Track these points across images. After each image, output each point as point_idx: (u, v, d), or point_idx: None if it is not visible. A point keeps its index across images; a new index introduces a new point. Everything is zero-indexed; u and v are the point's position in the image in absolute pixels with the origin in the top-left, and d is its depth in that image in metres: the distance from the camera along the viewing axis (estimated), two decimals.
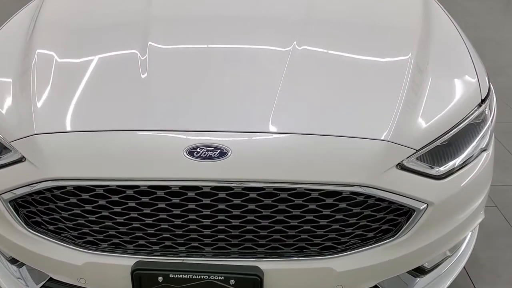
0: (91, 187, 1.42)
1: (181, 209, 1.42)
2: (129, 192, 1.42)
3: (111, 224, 1.46)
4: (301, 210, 1.42)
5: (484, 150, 1.63)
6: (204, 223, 1.44)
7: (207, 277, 1.45)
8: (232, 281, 1.45)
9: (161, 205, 1.42)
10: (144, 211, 1.44)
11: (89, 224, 1.47)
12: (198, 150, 1.40)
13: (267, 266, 1.45)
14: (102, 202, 1.44)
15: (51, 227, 1.52)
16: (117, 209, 1.44)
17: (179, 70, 1.66)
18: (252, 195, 1.40)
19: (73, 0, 2.19)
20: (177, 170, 1.39)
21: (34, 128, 1.49)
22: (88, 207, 1.45)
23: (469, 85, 1.70)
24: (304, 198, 1.41)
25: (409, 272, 1.62)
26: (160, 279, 1.46)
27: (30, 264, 1.62)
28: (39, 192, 1.46)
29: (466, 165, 1.55)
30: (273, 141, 1.44)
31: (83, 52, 1.78)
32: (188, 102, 1.54)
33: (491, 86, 1.78)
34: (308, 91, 1.57)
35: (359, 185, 1.39)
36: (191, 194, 1.41)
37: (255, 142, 1.44)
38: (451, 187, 1.51)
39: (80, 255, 1.50)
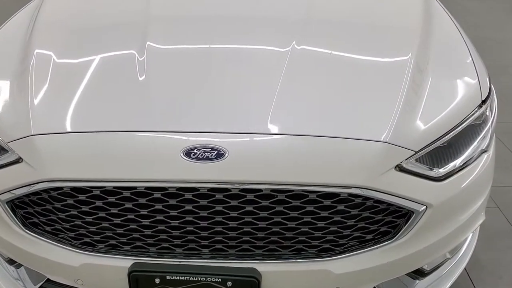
0: (88, 188, 1.42)
1: (178, 211, 1.42)
2: (126, 194, 1.41)
3: (108, 225, 1.46)
4: (298, 212, 1.41)
5: (484, 151, 1.62)
6: (201, 224, 1.43)
7: (204, 279, 1.45)
8: (229, 283, 1.44)
9: (158, 206, 1.42)
10: (141, 213, 1.43)
11: (86, 225, 1.47)
12: (195, 151, 1.39)
13: (265, 268, 1.45)
14: (99, 203, 1.43)
15: (48, 228, 1.51)
16: (114, 210, 1.43)
17: (177, 71, 1.65)
18: (250, 196, 1.39)
19: (73, 0, 2.18)
20: (174, 171, 1.39)
21: (31, 129, 1.49)
22: (85, 208, 1.44)
23: (469, 85, 1.69)
24: (302, 200, 1.40)
25: (408, 274, 1.61)
26: (157, 280, 1.45)
27: (27, 265, 1.62)
28: (36, 193, 1.46)
29: (466, 166, 1.54)
30: (270, 142, 1.43)
31: (81, 53, 1.78)
32: (185, 103, 1.53)
33: (492, 86, 1.76)
34: (307, 91, 1.56)
35: (357, 187, 1.38)
36: (188, 195, 1.40)
37: (252, 143, 1.43)
38: (450, 189, 1.49)
39: (77, 256, 1.49)
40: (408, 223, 1.46)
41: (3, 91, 1.67)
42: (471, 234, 1.78)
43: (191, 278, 1.45)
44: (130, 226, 1.45)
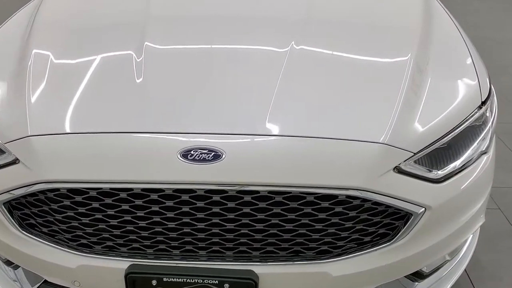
0: (84, 189, 1.41)
1: (175, 212, 1.41)
2: (123, 195, 1.40)
3: (104, 226, 1.45)
4: (296, 214, 1.40)
5: (484, 153, 1.60)
6: (198, 226, 1.42)
7: (201, 281, 1.44)
8: (226, 285, 1.43)
9: (155, 208, 1.41)
10: (138, 214, 1.42)
11: (82, 227, 1.46)
12: (192, 152, 1.38)
13: (262, 270, 1.44)
14: (95, 204, 1.42)
15: (45, 230, 1.51)
16: (111, 211, 1.43)
17: (174, 72, 1.64)
18: (247, 198, 1.38)
19: (71, 0, 2.18)
20: (171, 172, 1.38)
21: (28, 130, 1.48)
22: (81, 209, 1.44)
23: (469, 86, 1.67)
24: (299, 202, 1.39)
25: (407, 277, 1.60)
26: (154, 282, 1.44)
27: (24, 267, 1.62)
28: (32, 194, 1.45)
29: (465, 168, 1.53)
30: (268, 143, 1.42)
31: (79, 53, 1.77)
32: (182, 104, 1.52)
33: (492, 87, 1.75)
34: (305, 92, 1.55)
35: (355, 189, 1.37)
36: (185, 197, 1.39)
37: (250, 144, 1.42)
38: (449, 191, 1.48)
39: (74, 257, 1.49)
40: (407, 225, 1.44)
41: (0, 91, 1.66)
42: (471, 236, 1.76)
43: (188, 280, 1.44)
44: (127, 228, 1.44)
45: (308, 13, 1.94)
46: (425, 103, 1.55)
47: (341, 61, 1.73)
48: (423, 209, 1.43)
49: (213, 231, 1.43)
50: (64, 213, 1.46)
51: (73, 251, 1.49)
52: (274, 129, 1.44)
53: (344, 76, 1.63)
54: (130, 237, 1.46)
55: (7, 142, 1.49)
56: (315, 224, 1.41)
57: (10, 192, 1.47)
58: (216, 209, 1.40)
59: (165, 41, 1.79)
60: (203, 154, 1.38)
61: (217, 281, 1.43)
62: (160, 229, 1.44)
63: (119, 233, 1.45)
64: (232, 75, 1.63)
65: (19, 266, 1.66)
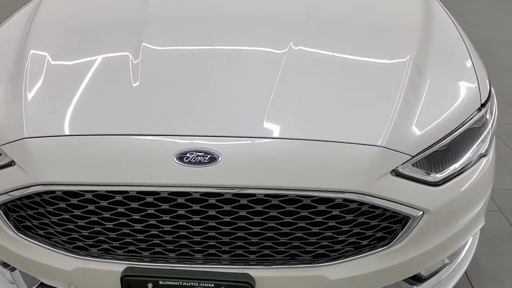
0: (80, 192, 1.40)
1: (171, 215, 1.40)
2: (118, 198, 1.40)
3: (100, 229, 1.44)
4: (293, 217, 1.39)
5: (483, 155, 1.58)
6: (194, 229, 1.41)
7: (197, 284, 1.43)
8: None
9: (150, 211, 1.40)
10: (134, 217, 1.41)
11: (78, 229, 1.46)
12: (188, 155, 1.37)
13: (259, 273, 1.43)
14: (91, 207, 1.42)
15: (41, 232, 1.50)
16: (106, 214, 1.42)
17: (171, 74, 1.63)
18: (243, 201, 1.37)
19: (70, 0, 2.17)
20: (166, 175, 1.37)
21: (24, 132, 1.47)
22: (77, 212, 1.43)
23: (468, 88, 1.66)
24: (296, 205, 1.38)
25: (405, 280, 1.59)
26: (150, 285, 1.44)
27: (20, 269, 1.62)
28: (28, 196, 1.45)
29: (464, 171, 1.51)
30: (265, 146, 1.41)
31: (76, 55, 1.77)
32: (178, 107, 1.52)
33: (492, 89, 1.73)
34: (302, 94, 1.54)
35: (352, 192, 1.36)
36: (180, 199, 1.38)
37: (246, 147, 1.41)
38: (448, 194, 1.47)
39: (70, 260, 1.48)
40: (405, 228, 1.43)
41: None
42: (471, 238, 1.75)
43: (184, 283, 1.43)
44: (123, 231, 1.44)
45: (308, 13, 1.93)
46: (424, 105, 1.54)
47: (339, 62, 1.72)
48: (421, 212, 1.42)
49: (209, 234, 1.42)
50: (60, 216, 1.45)
51: (69, 254, 1.48)
52: (271, 131, 1.43)
53: (341, 77, 1.62)
54: (126, 240, 1.45)
55: (2, 144, 1.48)
56: (311, 227, 1.40)
57: (6, 194, 1.46)
58: (212, 212, 1.39)
59: (163, 42, 1.78)
60: (199, 157, 1.37)
61: (213, 284, 1.42)
62: (156, 232, 1.43)
63: (115, 235, 1.45)
64: (229, 77, 1.62)
65: (16, 268, 1.66)
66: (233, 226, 1.40)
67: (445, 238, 1.51)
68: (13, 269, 1.67)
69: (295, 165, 1.37)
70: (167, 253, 1.46)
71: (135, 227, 1.43)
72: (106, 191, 1.39)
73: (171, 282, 1.43)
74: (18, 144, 1.46)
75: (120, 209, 1.41)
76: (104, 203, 1.41)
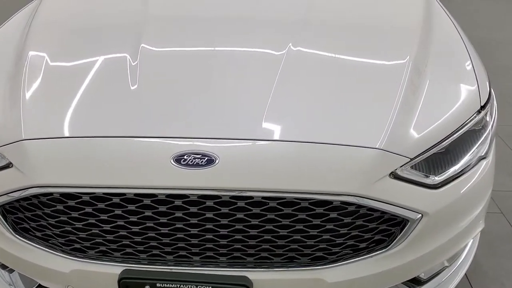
0: (77, 194, 1.40)
1: (168, 218, 1.40)
2: (116, 200, 1.39)
3: (98, 231, 1.44)
4: (290, 220, 1.38)
5: (483, 158, 1.57)
6: (192, 232, 1.41)
7: (195, 286, 1.42)
8: None
9: (148, 213, 1.40)
10: (131, 219, 1.41)
11: (76, 232, 1.45)
12: (185, 157, 1.37)
13: (256, 276, 1.42)
14: (88, 209, 1.41)
15: (38, 234, 1.50)
16: (104, 216, 1.41)
17: (169, 76, 1.63)
18: (241, 203, 1.37)
19: (70, 1, 2.17)
20: (164, 178, 1.36)
21: (22, 134, 1.47)
22: (74, 214, 1.43)
23: (468, 90, 1.65)
24: (294, 208, 1.37)
25: (404, 283, 1.58)
26: None
27: (18, 270, 1.61)
28: (26, 198, 1.45)
29: (463, 173, 1.50)
30: (263, 148, 1.40)
31: (75, 56, 1.76)
32: (176, 109, 1.51)
33: (492, 91, 1.72)
34: (301, 96, 1.53)
35: (350, 195, 1.35)
36: (178, 202, 1.38)
37: (244, 149, 1.40)
38: (447, 197, 1.46)
39: (67, 262, 1.48)
40: (403, 231, 1.42)
41: None
42: (471, 241, 1.74)
43: (182, 286, 1.43)
44: (120, 233, 1.43)
45: (307, 14, 1.92)
46: (423, 107, 1.53)
47: (338, 63, 1.71)
48: (420, 215, 1.41)
49: (207, 236, 1.41)
50: (57, 218, 1.45)
51: (66, 256, 1.48)
52: (269, 134, 1.43)
53: (340, 79, 1.61)
54: (123, 242, 1.45)
55: (0, 146, 1.48)
56: (309, 230, 1.39)
57: (4, 195, 1.46)
58: (209, 215, 1.39)
59: (161, 42, 1.78)
60: (196, 159, 1.37)
61: (210, 287, 1.42)
62: (153, 234, 1.42)
63: (112, 238, 1.44)
64: (227, 79, 1.62)
65: (14, 270, 1.65)
66: (230, 228, 1.39)
67: (444, 241, 1.50)
68: (11, 270, 1.67)
69: (293, 167, 1.37)
70: (165, 255, 1.45)
71: (133, 229, 1.42)
72: (104, 193, 1.39)
73: (168, 285, 1.43)
74: (16, 146, 1.46)
75: (118, 211, 1.40)
76: (101, 205, 1.40)
